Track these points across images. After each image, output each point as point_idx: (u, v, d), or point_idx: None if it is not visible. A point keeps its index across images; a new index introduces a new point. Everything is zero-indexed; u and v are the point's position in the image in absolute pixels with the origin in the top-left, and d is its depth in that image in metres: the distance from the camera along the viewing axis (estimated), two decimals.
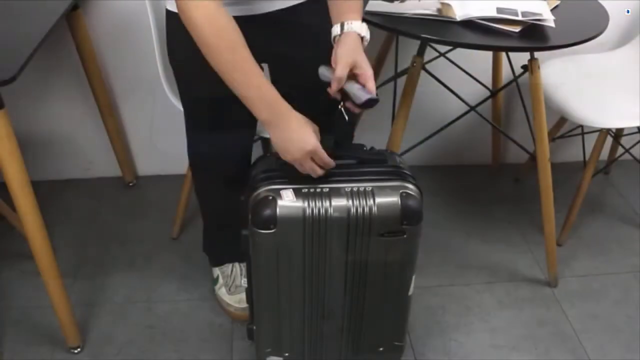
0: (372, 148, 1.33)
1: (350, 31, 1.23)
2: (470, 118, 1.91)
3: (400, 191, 1.19)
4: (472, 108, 1.81)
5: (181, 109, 1.49)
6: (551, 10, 1.56)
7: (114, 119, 2.06)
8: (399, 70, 1.87)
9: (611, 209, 2.22)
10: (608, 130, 1.91)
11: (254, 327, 1.40)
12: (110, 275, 1.85)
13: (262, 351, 1.41)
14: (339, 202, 1.17)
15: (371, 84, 1.20)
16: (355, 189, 1.19)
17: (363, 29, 1.24)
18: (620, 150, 2.20)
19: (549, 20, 1.48)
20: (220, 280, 1.74)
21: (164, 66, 1.61)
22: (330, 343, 1.39)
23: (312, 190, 1.18)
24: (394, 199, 1.18)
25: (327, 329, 1.36)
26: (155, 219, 2.07)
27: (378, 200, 1.18)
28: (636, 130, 2.06)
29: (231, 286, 1.72)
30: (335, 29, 1.24)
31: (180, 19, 1.23)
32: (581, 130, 2.13)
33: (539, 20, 1.48)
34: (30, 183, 1.38)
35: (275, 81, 1.22)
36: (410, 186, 1.21)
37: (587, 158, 1.95)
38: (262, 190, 1.19)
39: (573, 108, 1.83)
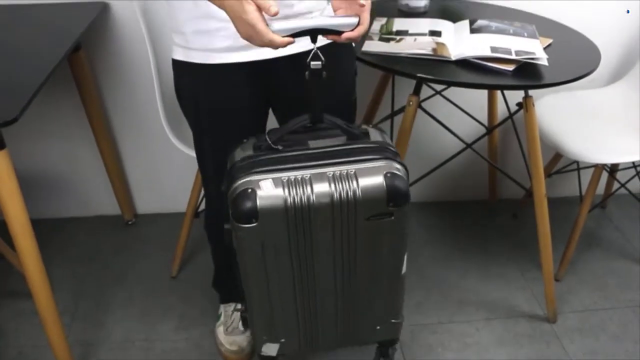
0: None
1: None
2: (467, 155, 1.93)
3: (385, 172, 1.14)
4: (469, 145, 1.83)
5: (181, 148, 1.51)
6: (544, 48, 1.59)
7: (113, 157, 2.07)
8: (395, 108, 1.89)
9: (608, 243, 2.22)
10: (603, 166, 1.93)
11: (248, 315, 1.35)
12: (109, 313, 1.84)
13: (258, 339, 1.36)
14: (321, 188, 1.12)
15: (366, 14, 1.10)
16: (337, 173, 1.13)
17: None
18: (616, 185, 2.22)
19: (542, 58, 1.51)
20: (222, 319, 1.74)
21: (164, 106, 1.64)
22: (325, 326, 1.34)
23: (292, 178, 1.13)
24: (378, 181, 1.13)
25: (321, 313, 1.31)
26: (154, 258, 2.07)
27: (362, 183, 1.12)
28: (631, 165, 2.08)
29: (229, 327, 1.71)
30: None
31: (185, 65, 1.27)
32: (577, 166, 2.15)
33: (532, 58, 1.51)
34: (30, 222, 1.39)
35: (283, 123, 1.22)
36: (396, 165, 1.16)
37: (583, 193, 1.97)
38: (240, 182, 1.14)
39: (568, 144, 1.85)
